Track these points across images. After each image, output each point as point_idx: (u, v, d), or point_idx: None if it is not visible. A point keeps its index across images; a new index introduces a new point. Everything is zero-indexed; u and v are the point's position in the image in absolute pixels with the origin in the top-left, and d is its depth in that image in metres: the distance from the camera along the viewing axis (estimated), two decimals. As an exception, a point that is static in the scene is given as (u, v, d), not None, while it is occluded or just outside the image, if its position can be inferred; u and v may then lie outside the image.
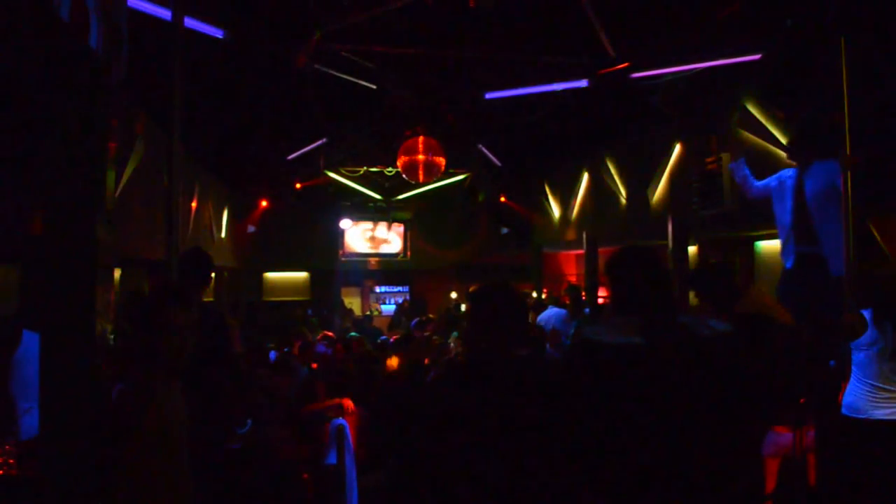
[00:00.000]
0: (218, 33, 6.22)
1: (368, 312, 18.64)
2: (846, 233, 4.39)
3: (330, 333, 9.41)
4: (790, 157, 5.21)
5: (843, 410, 4.15)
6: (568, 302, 9.37)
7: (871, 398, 4.01)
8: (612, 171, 11.01)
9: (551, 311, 9.01)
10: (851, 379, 4.17)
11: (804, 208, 4.89)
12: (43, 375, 2.21)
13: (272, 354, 7.66)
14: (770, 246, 9.35)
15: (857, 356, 4.14)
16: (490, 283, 2.56)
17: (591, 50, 7.46)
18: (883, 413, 3.96)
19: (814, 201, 4.83)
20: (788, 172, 5.11)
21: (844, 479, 4.16)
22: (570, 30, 7.31)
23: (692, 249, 10.36)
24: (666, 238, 9.27)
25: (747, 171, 5.37)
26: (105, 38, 2.67)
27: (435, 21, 7.48)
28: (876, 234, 6.02)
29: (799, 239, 4.95)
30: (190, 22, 5.56)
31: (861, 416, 4.03)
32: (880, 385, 4.00)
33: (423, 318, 10.30)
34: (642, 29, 7.19)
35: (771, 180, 5.19)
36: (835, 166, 4.57)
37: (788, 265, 5.03)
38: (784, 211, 5.04)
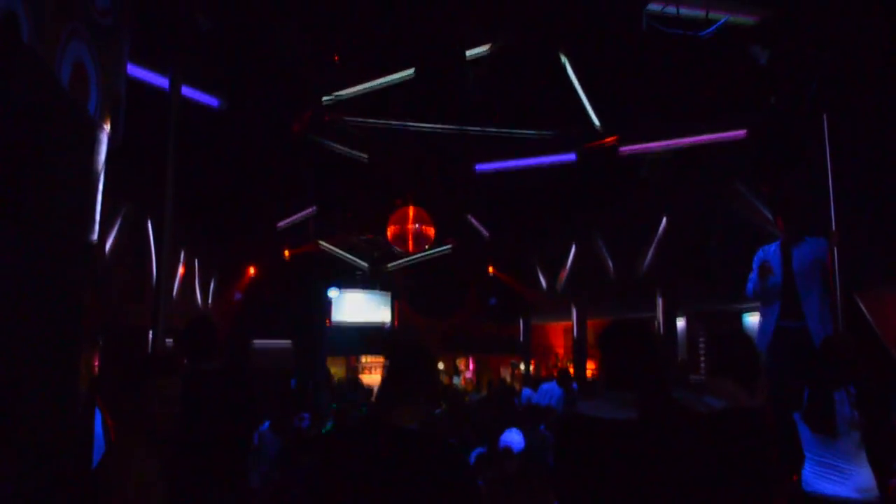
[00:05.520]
0: (213, 102, 6.26)
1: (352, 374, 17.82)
2: (834, 307, 4.46)
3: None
4: (780, 229, 5.26)
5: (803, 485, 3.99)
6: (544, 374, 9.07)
7: (815, 472, 3.87)
8: (601, 243, 11.09)
9: (549, 387, 8.73)
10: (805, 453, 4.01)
11: (792, 281, 4.93)
12: (27, 437, 2.13)
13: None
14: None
15: (805, 430, 3.89)
16: None
17: (580, 124, 7.61)
18: (832, 489, 3.76)
19: (800, 276, 4.90)
20: (772, 248, 5.15)
21: None
22: (559, 105, 7.47)
23: (680, 322, 10.36)
24: (655, 310, 9.28)
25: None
26: (103, 104, 2.70)
27: (427, 95, 7.63)
28: (863, 307, 6.06)
29: (784, 314, 4.96)
30: (187, 90, 5.62)
31: (807, 490, 3.86)
32: (825, 461, 3.82)
33: None
34: (630, 105, 7.36)
35: (755, 264, 5.18)
36: (822, 243, 4.71)
37: (769, 338, 5.01)
38: (774, 278, 5.05)
